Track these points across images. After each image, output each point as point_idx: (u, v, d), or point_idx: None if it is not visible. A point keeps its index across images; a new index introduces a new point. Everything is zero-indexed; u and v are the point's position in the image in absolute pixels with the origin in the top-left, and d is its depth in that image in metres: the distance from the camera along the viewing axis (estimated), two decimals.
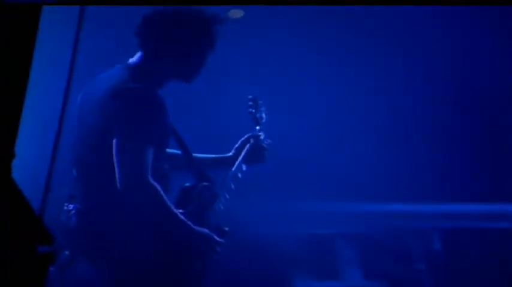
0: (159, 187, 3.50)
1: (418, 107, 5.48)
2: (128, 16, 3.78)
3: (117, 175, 3.44)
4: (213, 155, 4.14)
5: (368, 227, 5.21)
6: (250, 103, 4.21)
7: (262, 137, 4.15)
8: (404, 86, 5.43)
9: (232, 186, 3.97)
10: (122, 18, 4.20)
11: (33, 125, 4.23)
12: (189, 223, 3.63)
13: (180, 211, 3.68)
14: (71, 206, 3.64)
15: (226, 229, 3.85)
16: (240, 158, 4.06)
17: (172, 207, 3.60)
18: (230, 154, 4.15)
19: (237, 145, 4.15)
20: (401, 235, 5.17)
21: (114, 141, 3.49)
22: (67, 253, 3.59)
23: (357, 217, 5.27)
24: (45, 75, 4.17)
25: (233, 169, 4.02)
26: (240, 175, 4.04)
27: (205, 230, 3.69)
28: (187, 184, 3.87)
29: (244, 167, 4.05)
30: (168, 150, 3.86)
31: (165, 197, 3.53)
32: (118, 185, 3.43)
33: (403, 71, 5.47)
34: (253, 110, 4.19)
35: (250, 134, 4.16)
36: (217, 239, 3.71)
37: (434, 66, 5.52)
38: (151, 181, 3.47)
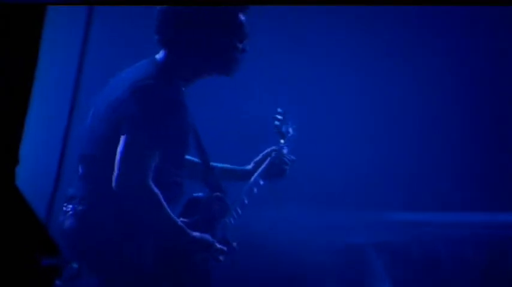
0: (157, 191, 3.40)
1: (445, 116, 5.39)
2: (134, 16, 3.68)
3: (114, 173, 3.35)
4: (231, 166, 4.03)
5: (396, 237, 5.11)
6: (278, 116, 4.07)
7: (285, 151, 4.01)
8: (430, 96, 5.34)
9: (246, 201, 3.85)
10: (129, 18, 4.10)
11: (39, 129, 4.15)
12: (189, 231, 3.52)
13: (184, 219, 3.57)
14: (70, 207, 3.54)
15: (234, 244, 3.73)
16: (258, 172, 3.93)
17: (171, 213, 3.49)
18: (249, 167, 4.03)
19: (257, 158, 4.03)
20: (431, 245, 5.06)
21: (122, 137, 3.40)
22: (75, 266, 3.49)
23: (383, 226, 5.17)
24: (50, 79, 4.08)
25: (249, 182, 3.90)
26: (255, 190, 3.91)
27: (207, 238, 3.58)
28: (197, 194, 3.76)
29: (261, 182, 3.93)
30: (188, 157, 3.75)
31: (163, 202, 3.44)
32: (113, 183, 3.33)
33: (432, 78, 5.39)
34: (280, 123, 4.05)
35: (273, 147, 4.03)
36: (219, 246, 3.58)
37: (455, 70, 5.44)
38: (150, 183, 3.39)
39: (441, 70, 5.49)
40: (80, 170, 3.59)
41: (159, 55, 3.66)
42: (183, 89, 3.63)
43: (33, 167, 3.66)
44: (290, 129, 4.09)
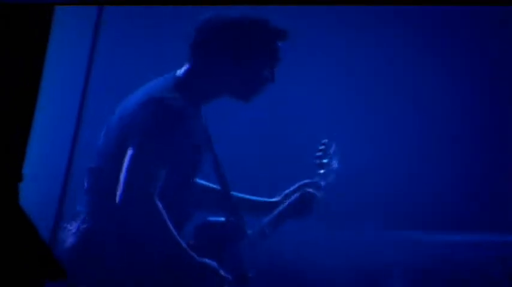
0: (162, 209, 3.28)
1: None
2: (143, 16, 3.59)
3: (118, 189, 3.24)
4: (254, 197, 3.86)
5: (421, 257, 5.02)
6: (322, 147, 3.88)
7: (322, 184, 3.80)
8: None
9: (267, 232, 3.69)
10: (139, 18, 4.02)
11: (44, 144, 4.05)
12: (193, 254, 3.40)
13: (193, 242, 3.46)
14: (73, 224, 3.43)
15: (250, 274, 3.58)
16: (285, 205, 3.75)
17: (175, 234, 3.37)
18: (276, 199, 3.85)
19: (288, 191, 3.83)
20: (460, 266, 4.97)
21: (129, 151, 3.30)
22: None
23: (409, 246, 5.08)
24: (56, 89, 3.99)
25: (272, 215, 3.72)
26: (280, 224, 3.72)
27: (211, 264, 3.45)
28: (213, 218, 3.62)
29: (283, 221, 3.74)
30: (203, 182, 3.63)
31: (167, 221, 3.32)
32: (117, 199, 3.23)
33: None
34: (322, 154, 3.85)
35: (306, 181, 3.84)
36: (223, 274, 3.45)
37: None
38: (155, 200, 3.28)
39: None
40: (86, 184, 3.49)
41: (181, 71, 3.56)
42: (200, 108, 3.52)
43: (37, 184, 3.57)
44: (334, 162, 3.87)
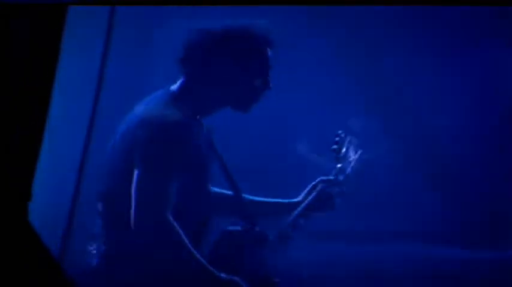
0: (177, 227, 3.29)
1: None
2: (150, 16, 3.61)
3: (132, 211, 3.26)
4: (273, 200, 3.86)
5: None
6: (337, 139, 3.85)
7: (341, 178, 3.79)
8: None
9: (291, 232, 3.68)
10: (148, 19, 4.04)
11: (52, 162, 4.07)
12: (213, 270, 3.39)
13: (214, 255, 3.46)
14: (93, 246, 3.45)
15: (277, 279, 3.57)
16: (303, 205, 3.75)
17: (193, 250, 3.37)
18: (298, 199, 3.85)
19: (305, 190, 3.83)
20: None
21: (135, 172, 3.31)
22: None
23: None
24: (67, 101, 4.00)
25: (293, 215, 3.71)
26: (302, 222, 3.71)
27: (234, 280, 3.45)
28: (232, 227, 3.61)
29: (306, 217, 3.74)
30: (214, 188, 3.64)
31: (184, 238, 3.31)
32: (132, 222, 3.24)
33: None
34: (338, 147, 3.83)
35: (321, 178, 3.82)
36: None
37: None
38: (169, 219, 3.27)
39: None
40: (99, 207, 3.51)
41: (175, 85, 3.59)
42: (199, 119, 3.54)
43: (46, 201, 3.58)
44: (351, 153, 3.85)
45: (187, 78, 3.52)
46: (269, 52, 3.48)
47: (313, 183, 3.70)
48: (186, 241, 3.30)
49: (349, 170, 3.78)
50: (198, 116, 3.49)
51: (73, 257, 3.59)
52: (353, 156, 3.67)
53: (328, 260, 4.93)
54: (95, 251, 3.46)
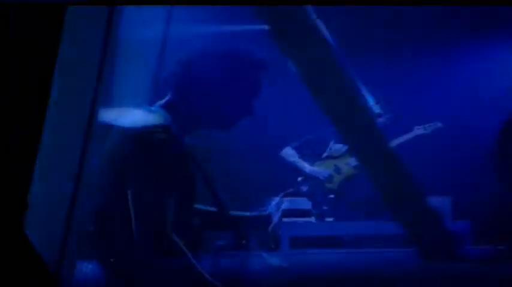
0: (181, 244, 3.25)
1: None
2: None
3: (133, 231, 3.22)
4: (248, 214, 3.86)
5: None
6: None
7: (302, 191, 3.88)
8: None
9: (272, 245, 3.69)
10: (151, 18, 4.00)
11: (49, 171, 4.01)
12: (213, 280, 3.37)
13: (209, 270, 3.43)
14: (89, 266, 3.41)
15: None
16: (278, 216, 3.78)
17: (198, 265, 3.34)
18: (266, 212, 3.88)
19: (274, 201, 3.88)
20: None
21: (129, 192, 3.27)
22: None
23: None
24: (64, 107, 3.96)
25: (272, 227, 3.73)
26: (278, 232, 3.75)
27: None
28: (221, 242, 3.60)
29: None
30: (200, 206, 3.61)
31: (188, 255, 3.28)
32: (135, 242, 3.20)
33: None
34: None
35: (290, 190, 3.88)
36: None
37: None
38: (173, 236, 3.24)
39: None
40: (93, 227, 3.47)
41: (162, 102, 3.57)
42: (184, 137, 3.52)
43: (43, 210, 3.52)
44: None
45: (174, 95, 3.50)
46: (256, 77, 3.48)
47: (280, 195, 3.74)
48: (190, 256, 3.28)
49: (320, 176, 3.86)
50: (183, 132, 3.47)
51: (69, 271, 3.54)
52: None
53: (326, 264, 4.94)
54: (90, 266, 3.42)
